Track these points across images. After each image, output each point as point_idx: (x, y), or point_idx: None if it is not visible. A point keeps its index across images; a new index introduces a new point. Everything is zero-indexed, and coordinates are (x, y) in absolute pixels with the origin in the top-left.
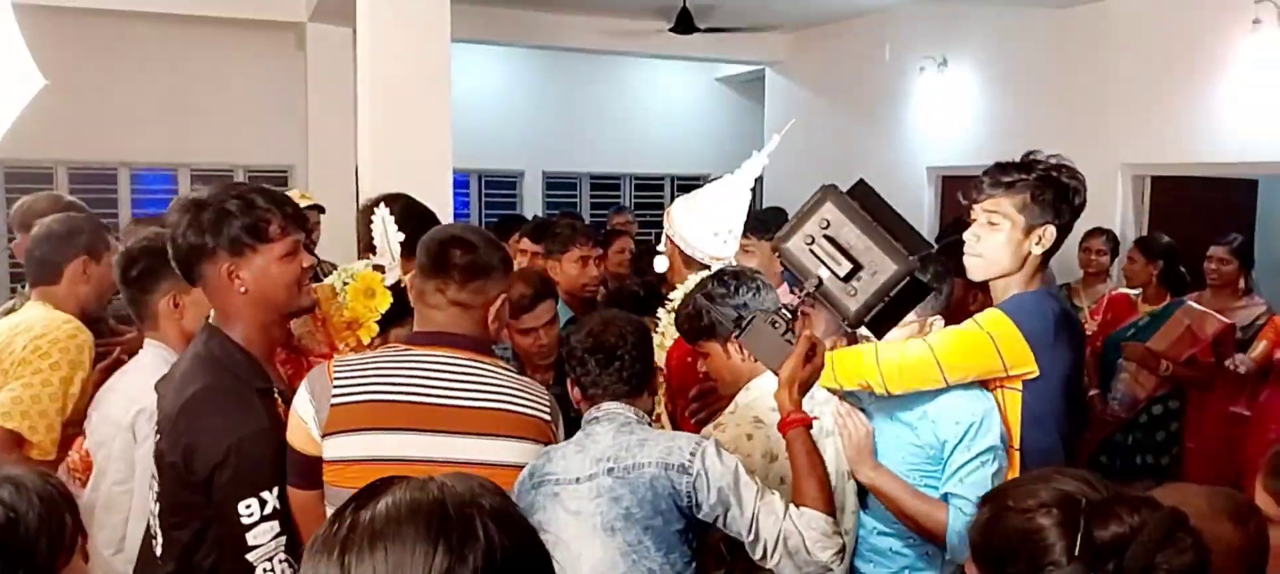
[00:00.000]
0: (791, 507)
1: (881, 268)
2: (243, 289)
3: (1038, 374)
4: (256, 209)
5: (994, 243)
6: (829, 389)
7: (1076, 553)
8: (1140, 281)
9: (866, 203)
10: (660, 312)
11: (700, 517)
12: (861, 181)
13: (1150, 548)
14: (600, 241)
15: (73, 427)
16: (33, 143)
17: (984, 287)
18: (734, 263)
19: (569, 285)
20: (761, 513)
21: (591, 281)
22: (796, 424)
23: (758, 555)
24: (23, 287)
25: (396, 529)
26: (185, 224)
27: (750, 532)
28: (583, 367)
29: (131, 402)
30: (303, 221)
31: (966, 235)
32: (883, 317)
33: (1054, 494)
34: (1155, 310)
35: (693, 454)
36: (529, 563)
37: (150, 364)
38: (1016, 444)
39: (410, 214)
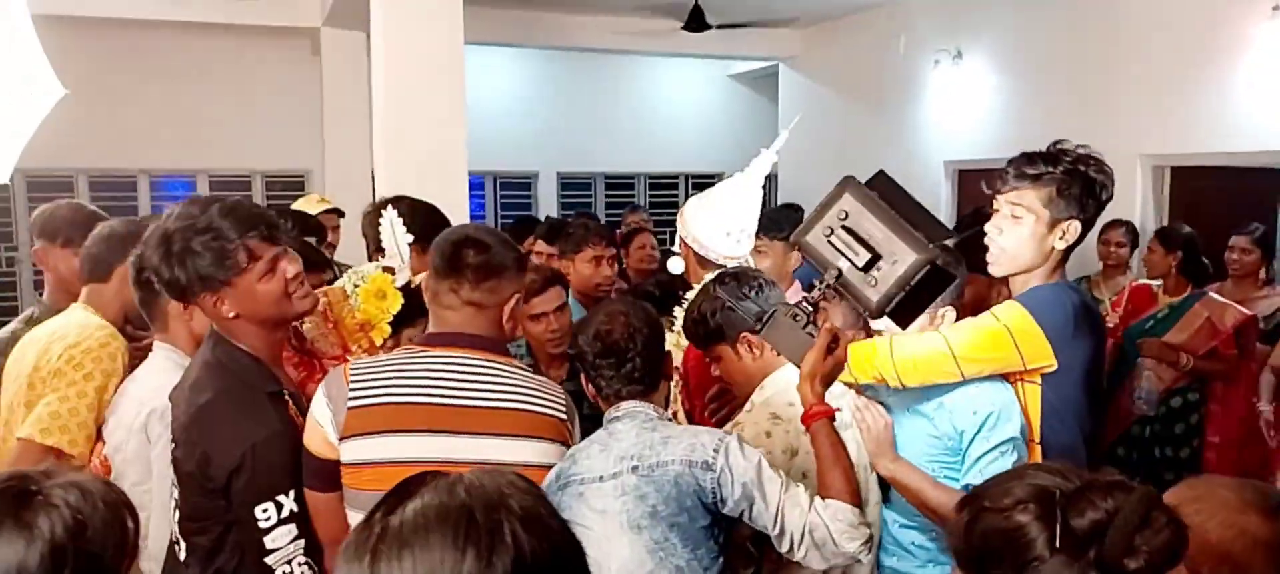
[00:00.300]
0: (817, 499)
1: (901, 257)
2: (231, 314)
3: (1056, 368)
4: (222, 240)
5: (1017, 236)
6: (845, 383)
7: (1057, 545)
8: (1160, 272)
9: (886, 193)
10: (677, 310)
11: (725, 512)
12: (881, 172)
13: (1128, 531)
14: (617, 241)
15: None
16: (53, 151)
17: (1006, 281)
18: (749, 261)
19: (583, 285)
20: (786, 506)
21: (605, 281)
22: (819, 416)
23: (784, 548)
24: (42, 294)
25: (424, 536)
26: (158, 260)
27: (776, 525)
28: (595, 370)
29: (142, 404)
30: (276, 233)
31: (988, 227)
32: (905, 306)
33: (1029, 490)
34: (1175, 302)
35: (716, 450)
36: (561, 563)
37: (160, 366)
38: (1036, 438)
39: (415, 213)
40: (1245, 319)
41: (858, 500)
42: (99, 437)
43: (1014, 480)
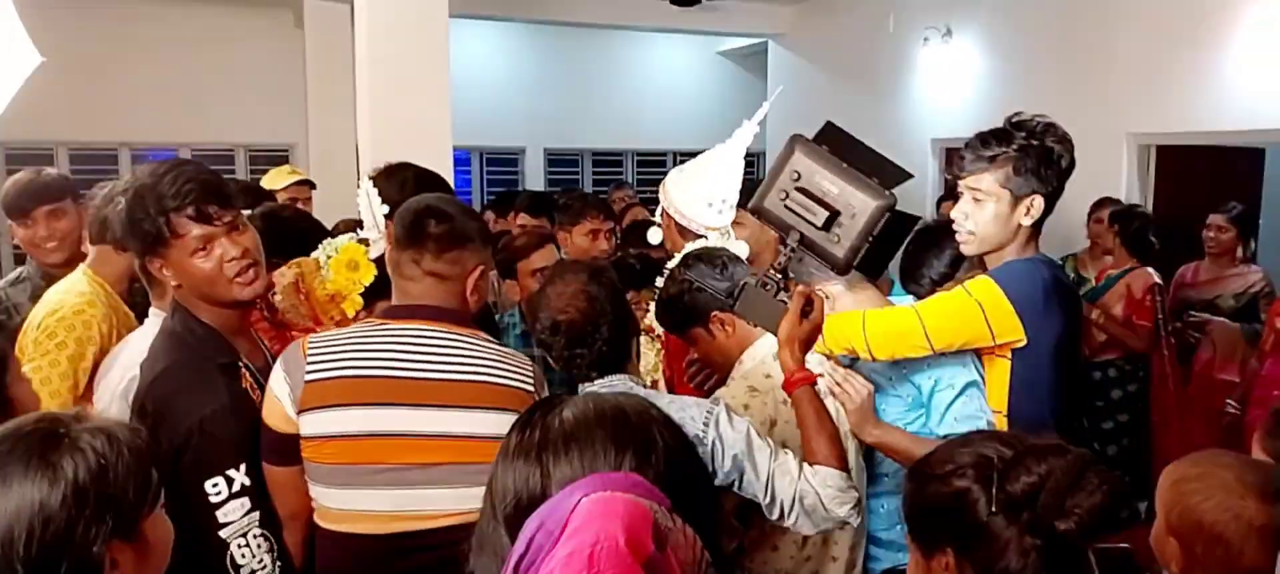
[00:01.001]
0: (805, 465)
1: (859, 209)
2: (174, 282)
3: (1026, 343)
4: (161, 205)
5: (981, 219)
6: (821, 354)
7: (994, 509)
8: (1106, 247)
9: (836, 145)
10: (659, 281)
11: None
12: (829, 123)
13: (1059, 493)
14: (615, 217)
15: (88, 398)
16: (33, 123)
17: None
18: (731, 232)
19: (580, 258)
20: (776, 474)
21: (602, 254)
22: (800, 382)
23: (774, 516)
24: (28, 262)
25: (588, 432)
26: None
27: (766, 494)
28: (567, 360)
29: (126, 370)
30: (215, 211)
31: (954, 212)
32: (873, 257)
33: (970, 457)
34: (1113, 274)
35: (706, 424)
36: (695, 469)
37: (151, 332)
38: (1004, 410)
39: (421, 182)
40: (1152, 284)
41: (845, 464)
42: (88, 399)
43: (959, 448)
